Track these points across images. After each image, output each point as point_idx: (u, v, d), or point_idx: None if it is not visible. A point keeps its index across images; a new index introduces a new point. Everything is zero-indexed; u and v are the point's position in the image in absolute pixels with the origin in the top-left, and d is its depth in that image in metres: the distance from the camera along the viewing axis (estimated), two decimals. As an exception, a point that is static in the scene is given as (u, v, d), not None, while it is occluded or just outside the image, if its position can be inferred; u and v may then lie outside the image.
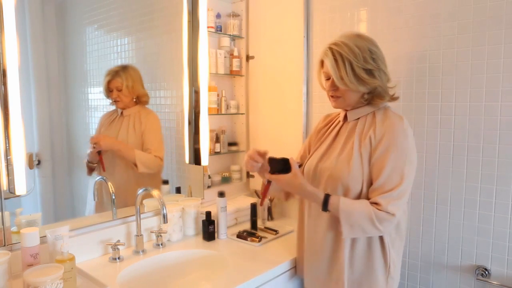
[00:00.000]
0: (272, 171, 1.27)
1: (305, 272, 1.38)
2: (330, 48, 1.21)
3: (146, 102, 1.70)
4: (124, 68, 1.62)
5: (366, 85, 1.21)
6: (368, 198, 1.20)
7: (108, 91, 1.58)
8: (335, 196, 1.21)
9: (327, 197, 1.21)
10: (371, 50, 1.20)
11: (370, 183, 1.21)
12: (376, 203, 1.16)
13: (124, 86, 1.59)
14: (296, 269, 1.48)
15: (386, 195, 1.16)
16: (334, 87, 1.25)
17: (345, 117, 1.32)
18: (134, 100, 1.64)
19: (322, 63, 1.27)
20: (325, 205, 1.20)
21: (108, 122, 1.62)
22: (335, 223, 1.24)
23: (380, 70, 1.22)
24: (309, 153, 1.41)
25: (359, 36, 1.23)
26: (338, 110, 1.38)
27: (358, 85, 1.20)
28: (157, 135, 1.73)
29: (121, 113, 1.64)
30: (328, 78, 1.26)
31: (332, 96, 1.28)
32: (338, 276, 1.27)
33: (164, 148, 1.75)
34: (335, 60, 1.20)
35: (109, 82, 1.57)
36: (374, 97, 1.25)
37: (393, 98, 1.29)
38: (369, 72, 1.20)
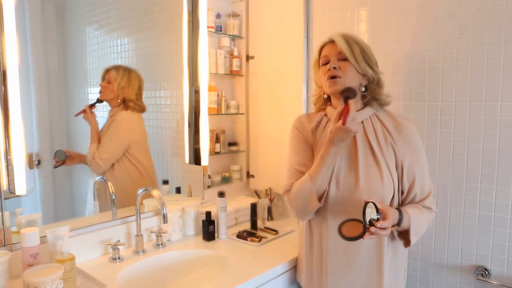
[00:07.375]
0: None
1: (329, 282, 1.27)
2: (341, 35, 1.19)
3: (132, 108, 1.65)
4: (128, 69, 1.63)
5: (372, 71, 1.20)
6: (400, 204, 1.22)
7: (102, 79, 1.58)
8: (398, 207, 1.16)
9: (400, 211, 1.13)
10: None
11: (398, 189, 1.21)
12: (427, 207, 1.22)
13: (116, 82, 1.59)
14: (297, 274, 1.43)
15: (430, 198, 1.23)
16: (338, 64, 1.18)
17: None
18: (119, 101, 1.62)
19: (321, 49, 1.25)
20: (400, 221, 1.11)
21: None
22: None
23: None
24: (314, 158, 1.27)
25: None
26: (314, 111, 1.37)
27: (366, 67, 1.18)
28: (112, 137, 1.61)
29: (109, 114, 1.63)
30: (327, 62, 1.21)
31: (331, 78, 1.19)
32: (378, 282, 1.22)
33: (113, 154, 1.62)
34: (347, 41, 1.18)
35: (107, 70, 1.58)
36: (371, 95, 1.23)
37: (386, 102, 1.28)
38: (375, 64, 1.23)
